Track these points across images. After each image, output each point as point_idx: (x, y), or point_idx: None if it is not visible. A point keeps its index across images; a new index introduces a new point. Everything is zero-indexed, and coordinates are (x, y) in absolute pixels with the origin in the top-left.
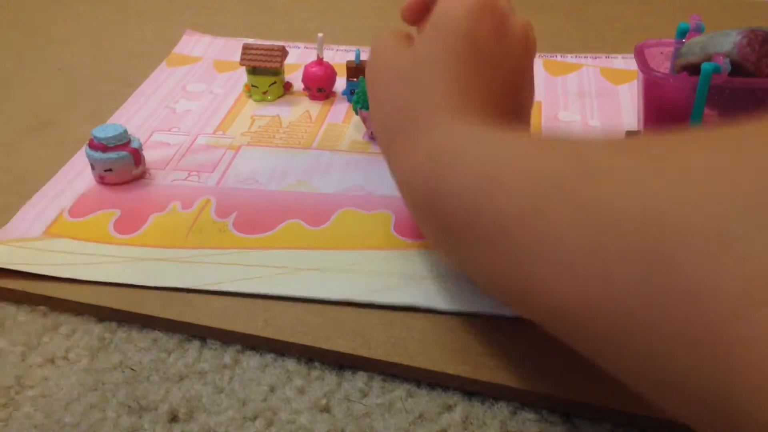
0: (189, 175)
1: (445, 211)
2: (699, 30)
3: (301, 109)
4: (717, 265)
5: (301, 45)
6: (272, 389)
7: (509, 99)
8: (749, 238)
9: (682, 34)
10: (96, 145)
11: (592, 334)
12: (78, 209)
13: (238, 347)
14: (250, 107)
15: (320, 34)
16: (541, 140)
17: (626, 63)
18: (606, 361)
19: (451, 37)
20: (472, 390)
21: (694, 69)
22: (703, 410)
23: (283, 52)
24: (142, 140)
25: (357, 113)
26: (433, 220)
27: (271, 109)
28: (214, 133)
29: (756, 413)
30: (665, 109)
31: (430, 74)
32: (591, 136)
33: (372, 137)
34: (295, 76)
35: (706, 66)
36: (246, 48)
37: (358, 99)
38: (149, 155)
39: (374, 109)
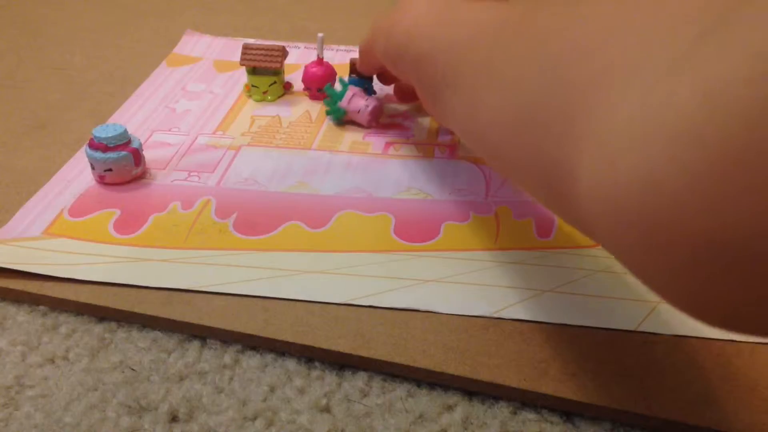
0: (189, 175)
1: (434, 66)
2: None
3: (301, 109)
4: (585, 67)
5: (301, 45)
6: (272, 389)
7: None
8: (607, 46)
9: None
10: (96, 145)
11: (505, 135)
12: (78, 209)
13: (238, 347)
14: (250, 107)
15: (320, 34)
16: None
17: None
18: (503, 155)
19: None
20: (472, 390)
21: None
22: (547, 184)
23: (283, 52)
24: (142, 140)
25: (333, 118)
26: (427, 77)
27: (271, 109)
28: (214, 133)
29: (583, 180)
30: None
31: None
32: None
33: (368, 122)
34: (295, 76)
35: None
36: (246, 48)
37: (332, 111)
38: (149, 155)
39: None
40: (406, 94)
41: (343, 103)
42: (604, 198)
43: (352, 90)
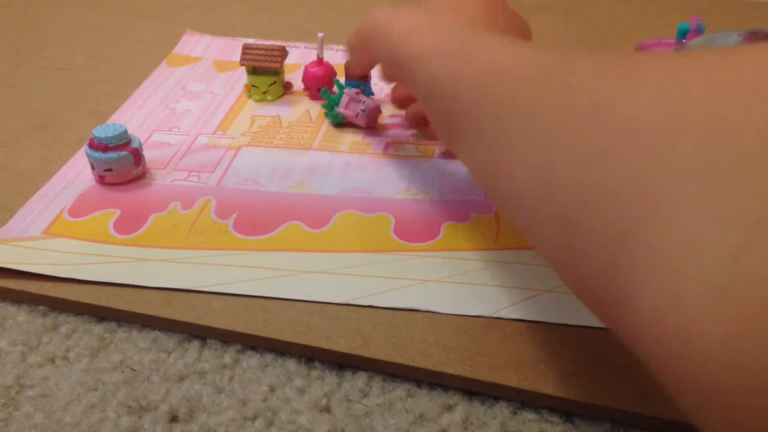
0: (189, 175)
1: (446, 100)
2: (699, 30)
3: (301, 109)
4: (639, 170)
5: (301, 45)
6: (272, 389)
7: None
8: (673, 147)
9: (683, 34)
10: (96, 145)
11: (540, 220)
12: (78, 209)
13: (238, 347)
14: (250, 107)
15: (320, 34)
16: (540, 46)
17: None
18: (545, 249)
19: None
20: (472, 390)
21: None
22: (601, 302)
23: (283, 52)
24: (142, 140)
25: (332, 121)
26: (433, 108)
27: (271, 109)
28: (214, 133)
29: (639, 303)
30: None
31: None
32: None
33: (363, 123)
34: (295, 76)
35: None
36: (246, 48)
37: (329, 113)
38: (149, 155)
39: (365, 23)
40: (413, 118)
41: (339, 108)
42: (669, 343)
43: (348, 94)
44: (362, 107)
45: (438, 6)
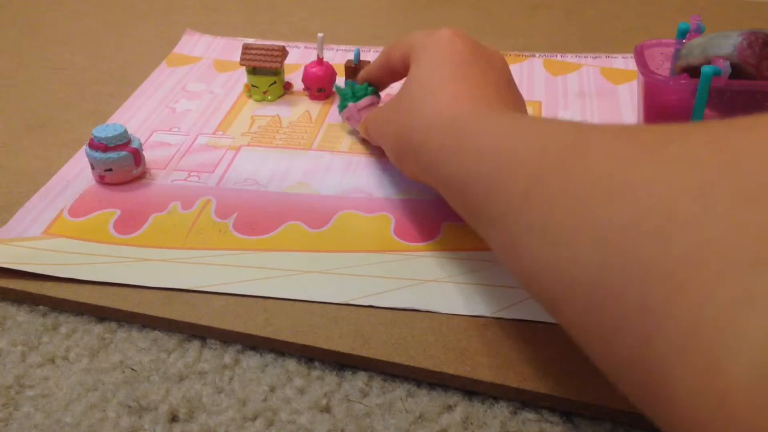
0: (189, 175)
1: (463, 194)
2: (699, 30)
3: (301, 109)
4: (664, 246)
5: (301, 45)
6: (272, 389)
7: (503, 99)
8: (696, 219)
9: (683, 34)
10: (96, 145)
11: (565, 300)
12: (78, 209)
13: (238, 347)
14: (250, 107)
15: (320, 34)
16: (549, 122)
17: (626, 63)
18: (573, 329)
19: (438, 57)
20: (472, 390)
21: (694, 71)
22: (634, 384)
23: (283, 52)
24: (142, 140)
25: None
26: (454, 202)
27: (271, 109)
28: (214, 133)
29: (675, 385)
30: (665, 111)
31: (428, 87)
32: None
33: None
34: (295, 76)
35: (706, 69)
36: (246, 48)
37: (344, 105)
38: (149, 155)
39: (383, 142)
40: None
41: (343, 119)
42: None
43: (369, 100)
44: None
45: (423, 86)
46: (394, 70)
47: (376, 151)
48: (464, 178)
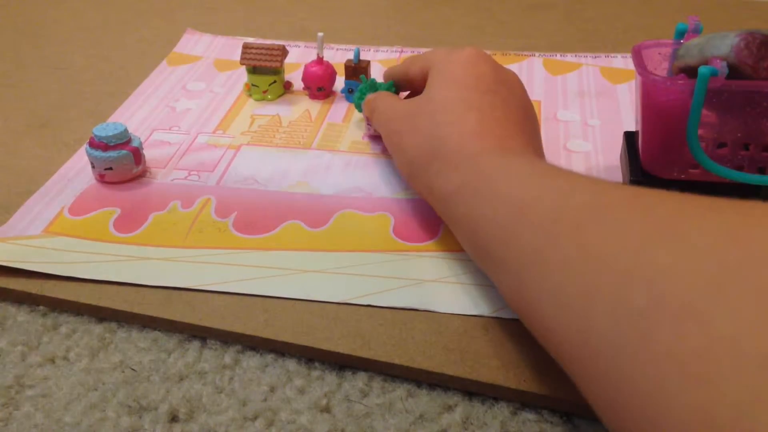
0: (189, 174)
1: (475, 235)
2: (697, 31)
3: (301, 109)
4: (679, 338)
5: (302, 44)
6: (272, 389)
7: (523, 132)
8: (711, 313)
9: (681, 34)
10: (96, 144)
11: (577, 365)
12: (78, 207)
13: (238, 347)
14: (250, 106)
15: (320, 33)
16: (567, 177)
17: (626, 62)
18: (581, 384)
19: (463, 80)
20: (472, 390)
21: (691, 71)
22: None
23: (283, 52)
24: (142, 139)
25: (360, 110)
26: (462, 239)
27: (271, 108)
28: (214, 132)
29: None
30: (663, 111)
31: (452, 113)
32: (610, 181)
33: (372, 134)
34: (295, 75)
35: (703, 69)
36: (246, 47)
37: (362, 96)
38: (149, 154)
39: (395, 152)
40: None
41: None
42: None
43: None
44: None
45: (443, 107)
46: (412, 82)
47: (376, 150)
48: (478, 221)
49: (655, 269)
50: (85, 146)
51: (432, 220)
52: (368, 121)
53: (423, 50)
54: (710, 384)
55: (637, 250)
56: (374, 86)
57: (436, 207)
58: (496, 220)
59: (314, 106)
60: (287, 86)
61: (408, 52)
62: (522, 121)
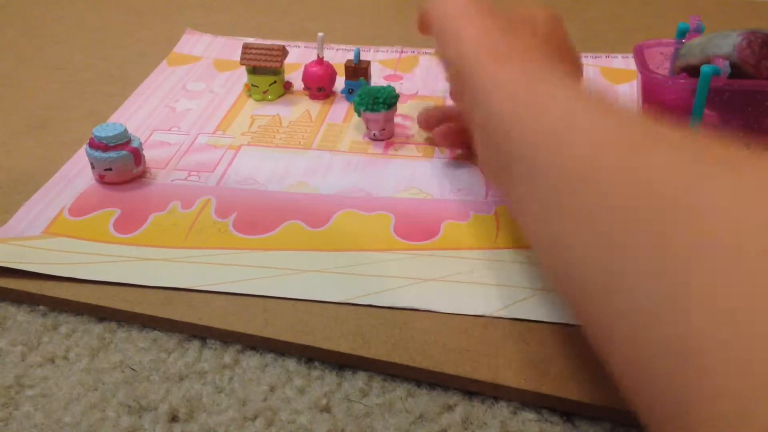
0: (189, 174)
1: (506, 143)
2: (699, 30)
3: (301, 109)
4: (719, 279)
5: (302, 44)
6: (272, 389)
7: (555, 59)
8: (752, 258)
9: (682, 34)
10: (96, 145)
11: (600, 311)
12: (78, 208)
13: (238, 347)
14: (250, 106)
15: (320, 34)
16: (613, 107)
17: (626, 62)
18: (592, 325)
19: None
20: (472, 390)
21: (693, 70)
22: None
23: (283, 52)
24: (142, 139)
25: (359, 115)
26: (493, 146)
27: (271, 109)
28: (214, 132)
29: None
30: (664, 110)
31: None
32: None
33: (372, 138)
34: (295, 76)
35: (705, 68)
36: (246, 47)
37: (361, 101)
38: (149, 154)
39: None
40: (447, 135)
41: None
42: None
43: (389, 114)
44: (377, 131)
45: (491, 29)
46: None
47: (376, 150)
48: (514, 125)
49: (701, 221)
50: (85, 147)
51: (432, 220)
52: (369, 124)
53: (423, 50)
54: (741, 325)
55: (688, 185)
56: (372, 91)
57: (464, 89)
58: (533, 130)
59: (314, 107)
60: (287, 86)
61: (408, 53)
62: (550, 50)
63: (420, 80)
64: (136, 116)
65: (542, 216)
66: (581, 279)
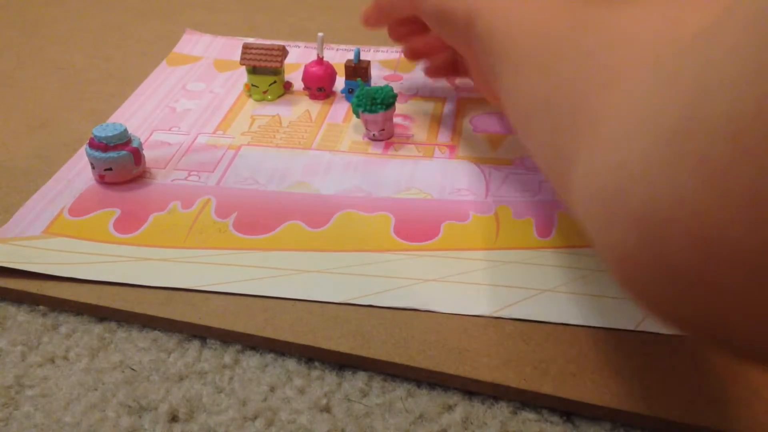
0: (189, 174)
1: (499, 49)
2: None
3: (301, 109)
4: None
5: (302, 44)
6: (272, 389)
7: None
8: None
9: None
10: (96, 145)
11: (535, 111)
12: (78, 208)
13: (238, 347)
14: (250, 107)
15: (320, 34)
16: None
17: None
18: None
19: None
20: (472, 389)
21: None
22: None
23: (284, 52)
24: (142, 139)
25: (358, 116)
26: (489, 57)
27: (271, 109)
28: (214, 132)
29: (579, 167)
30: None
31: None
32: None
33: (372, 138)
34: (295, 76)
35: None
36: (246, 47)
37: (360, 102)
38: (149, 154)
39: None
40: (439, 69)
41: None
42: (591, 188)
43: (388, 115)
44: (377, 132)
45: None
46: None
47: (376, 150)
48: (508, 34)
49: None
50: (85, 147)
51: (432, 220)
52: (368, 125)
53: None
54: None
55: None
56: (370, 92)
57: (457, 27)
58: (517, 35)
59: (314, 107)
60: (287, 87)
61: None
62: None
63: (420, 80)
64: (136, 116)
65: (512, 84)
66: (530, 111)
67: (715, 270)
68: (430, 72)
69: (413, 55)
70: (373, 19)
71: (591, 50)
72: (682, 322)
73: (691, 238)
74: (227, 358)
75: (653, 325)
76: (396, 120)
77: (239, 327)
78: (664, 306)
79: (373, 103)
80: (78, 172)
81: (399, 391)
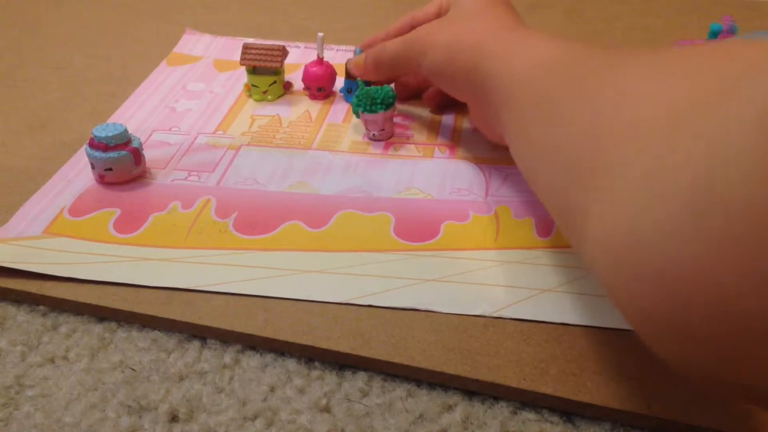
0: (189, 174)
1: (502, 95)
2: (732, 31)
3: (301, 109)
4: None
5: (302, 44)
6: (272, 389)
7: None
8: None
9: (714, 35)
10: (96, 145)
11: (542, 159)
12: (78, 208)
13: (238, 347)
14: (250, 107)
15: (320, 34)
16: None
17: None
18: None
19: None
20: (472, 390)
21: None
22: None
23: (284, 52)
24: (142, 139)
25: (358, 116)
26: (487, 96)
27: (271, 109)
28: (214, 132)
29: (591, 225)
30: None
31: (481, 13)
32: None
33: (372, 138)
34: (295, 76)
35: None
36: (246, 47)
37: (359, 102)
38: (149, 154)
39: (428, 43)
40: (441, 101)
41: (363, 122)
42: (604, 245)
43: (388, 115)
44: (377, 132)
45: (470, 13)
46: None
47: (376, 150)
48: (509, 72)
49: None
50: (85, 147)
51: (432, 220)
52: (368, 125)
53: None
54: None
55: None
56: (370, 92)
57: (475, 77)
58: (521, 71)
59: (314, 107)
60: (287, 87)
61: None
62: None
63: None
64: (136, 116)
65: (519, 132)
66: (539, 161)
67: (735, 335)
68: (428, 98)
69: (405, 91)
70: (369, 75)
71: (601, 104)
72: (697, 373)
73: (709, 306)
74: (227, 358)
75: None
76: (396, 120)
77: (239, 327)
78: (680, 358)
79: (372, 103)
80: (78, 172)
81: (399, 391)
